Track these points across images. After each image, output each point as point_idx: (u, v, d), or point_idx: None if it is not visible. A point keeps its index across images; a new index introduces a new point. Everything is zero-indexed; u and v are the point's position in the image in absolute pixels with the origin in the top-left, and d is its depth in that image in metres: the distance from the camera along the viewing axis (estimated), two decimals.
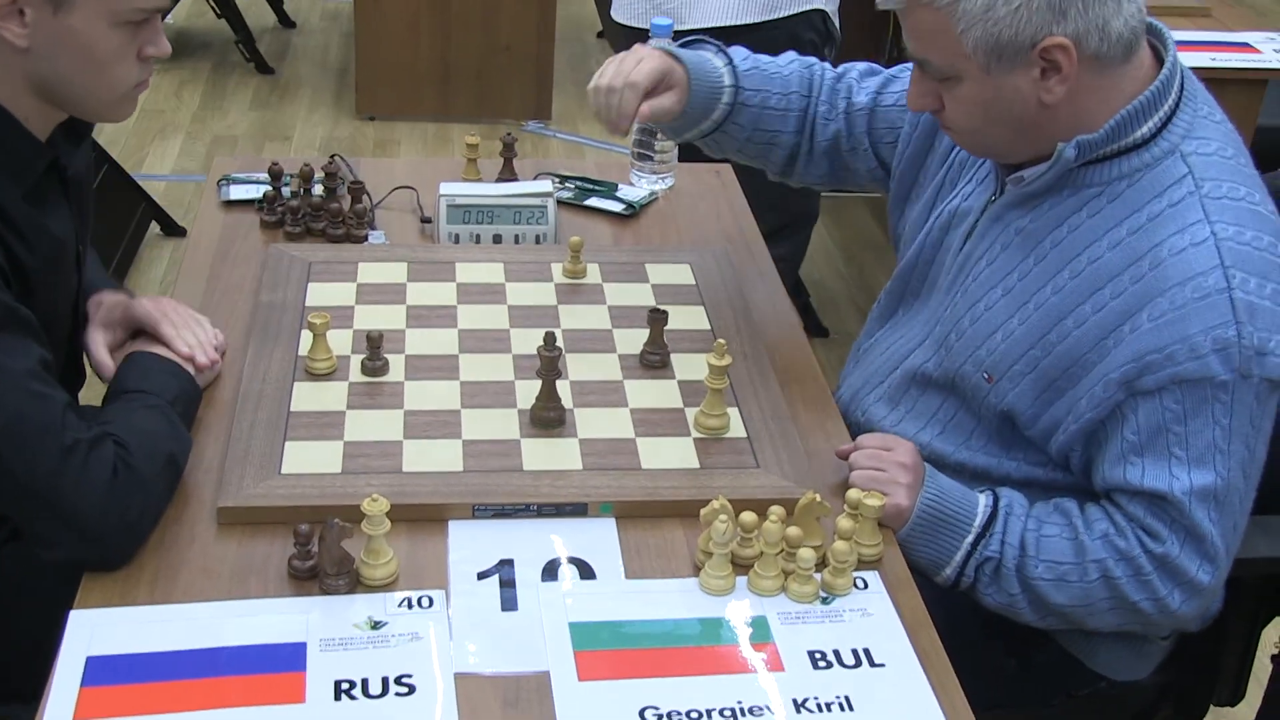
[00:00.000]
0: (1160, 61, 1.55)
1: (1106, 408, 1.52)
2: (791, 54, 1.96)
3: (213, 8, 5.02)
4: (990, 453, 1.68)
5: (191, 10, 5.38)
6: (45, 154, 1.54)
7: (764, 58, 1.93)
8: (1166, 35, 1.56)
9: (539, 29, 4.70)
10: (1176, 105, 1.53)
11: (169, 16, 5.16)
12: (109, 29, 1.47)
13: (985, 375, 1.63)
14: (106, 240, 3.54)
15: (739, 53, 1.91)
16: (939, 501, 1.58)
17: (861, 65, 1.96)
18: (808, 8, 2.86)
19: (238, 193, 2.13)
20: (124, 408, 1.54)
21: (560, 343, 1.74)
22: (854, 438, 1.78)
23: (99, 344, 1.69)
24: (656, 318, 1.76)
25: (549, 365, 1.62)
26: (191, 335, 1.69)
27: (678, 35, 2.56)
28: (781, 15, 2.84)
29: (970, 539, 1.58)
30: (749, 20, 2.82)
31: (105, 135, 4.43)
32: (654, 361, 1.77)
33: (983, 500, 1.59)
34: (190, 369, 1.65)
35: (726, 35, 2.65)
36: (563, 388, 1.71)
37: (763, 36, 2.73)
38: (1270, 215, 1.51)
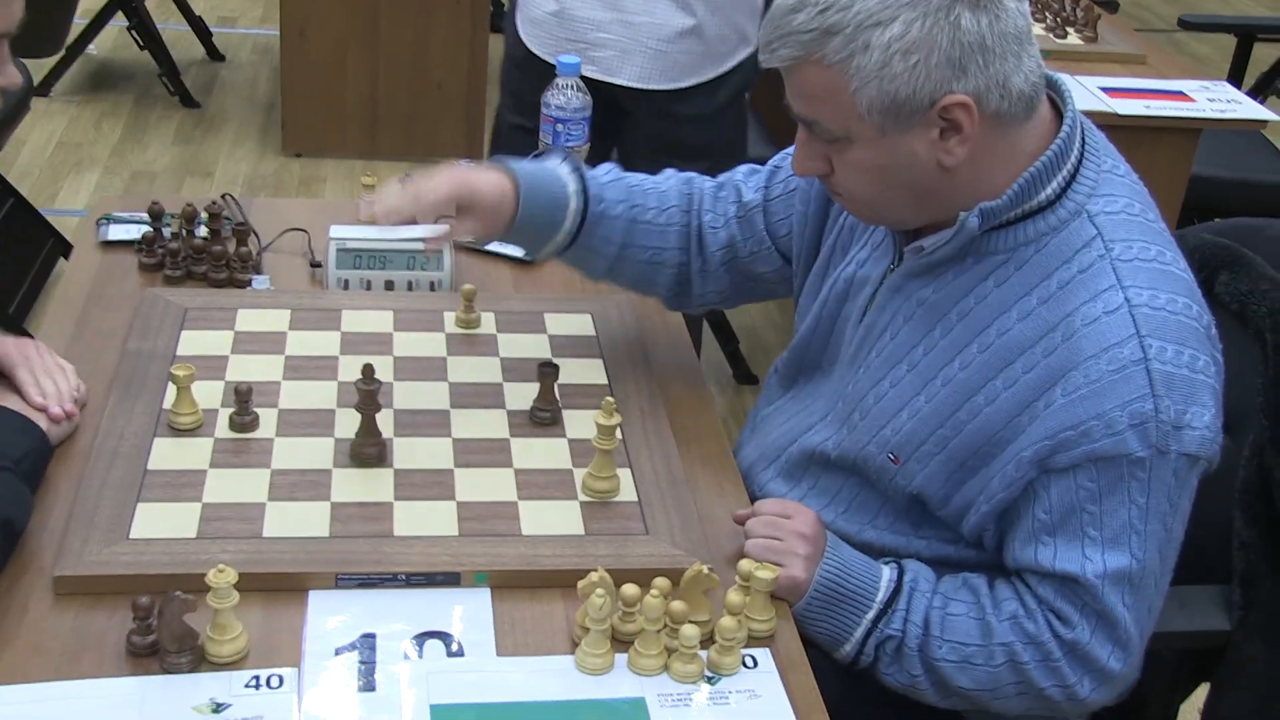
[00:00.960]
0: (1059, 114, 1.47)
1: (1019, 486, 1.43)
2: (669, 170, 1.84)
3: (135, 40, 4.90)
4: (898, 531, 1.59)
5: (117, 41, 5.26)
6: None
7: (637, 175, 1.81)
8: (1064, 88, 1.48)
9: (470, 66, 4.61)
10: (1080, 161, 1.45)
11: (92, 47, 5.04)
12: None
13: (891, 456, 1.53)
14: (10, 275, 3.40)
15: (603, 167, 1.80)
16: (840, 575, 1.48)
17: (743, 167, 1.84)
18: (737, 61, 2.66)
19: (117, 232, 2.02)
20: None
21: (447, 398, 1.66)
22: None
23: None
24: (547, 372, 1.66)
25: (367, 399, 1.53)
26: (50, 384, 1.57)
27: (607, 89, 2.48)
28: (711, 76, 2.63)
29: (871, 615, 1.48)
30: (683, 84, 2.60)
31: (18, 167, 4.31)
32: (544, 418, 1.67)
33: (886, 574, 1.50)
34: (43, 421, 1.53)
35: (665, 99, 2.56)
36: (443, 445, 1.61)
37: (703, 98, 2.62)
38: (1182, 274, 1.44)
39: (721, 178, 1.83)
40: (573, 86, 2.10)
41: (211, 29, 5.40)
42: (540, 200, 1.70)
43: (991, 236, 1.46)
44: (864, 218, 1.59)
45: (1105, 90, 3.11)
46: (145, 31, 4.87)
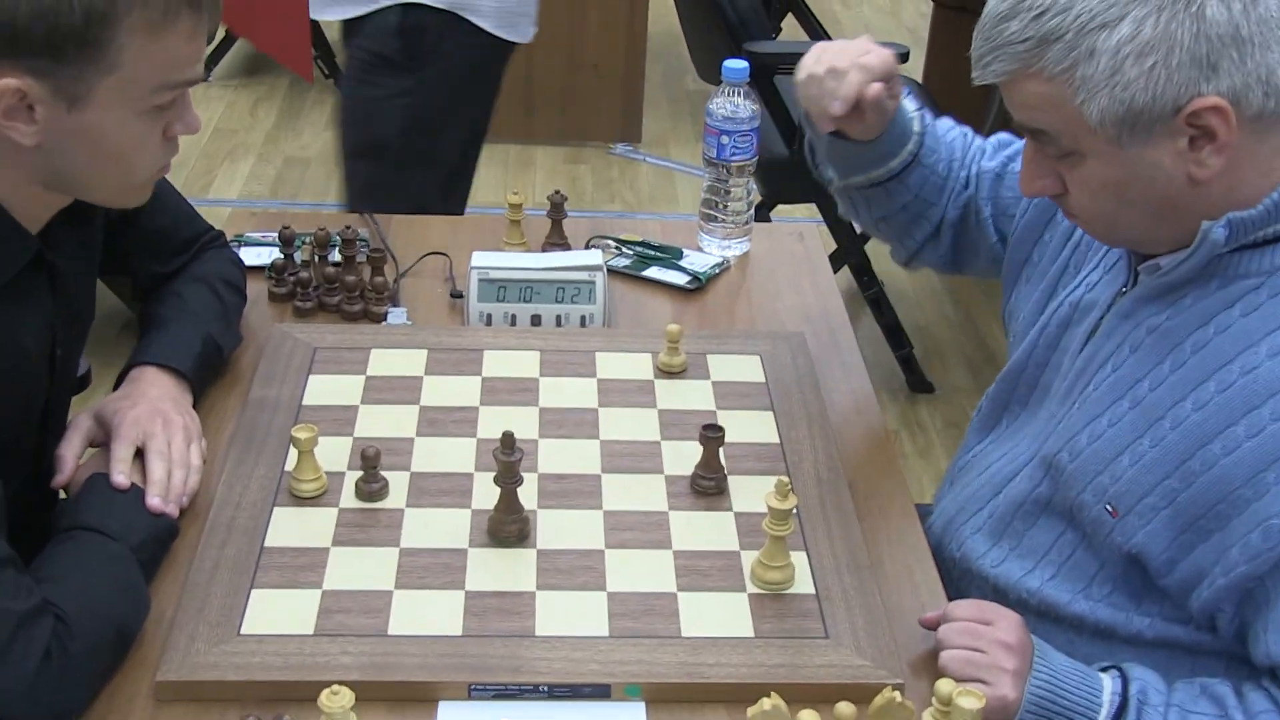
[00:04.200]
0: None
1: (1268, 561, 1.20)
2: (949, 120, 1.70)
3: None
4: (1116, 604, 1.36)
5: None
6: (31, 246, 1.32)
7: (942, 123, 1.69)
8: None
9: (627, 45, 4.40)
10: None
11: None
12: (132, 118, 1.27)
13: (1108, 507, 1.31)
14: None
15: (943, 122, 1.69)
16: (1054, 689, 1.26)
17: (1002, 135, 1.67)
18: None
19: (249, 256, 1.86)
20: (75, 557, 1.27)
21: (598, 460, 1.47)
22: (949, 576, 1.47)
23: (73, 441, 1.44)
24: (711, 437, 1.46)
25: (508, 472, 1.35)
26: (164, 470, 1.41)
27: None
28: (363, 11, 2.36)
29: None
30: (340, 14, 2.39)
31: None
32: (707, 487, 1.47)
33: (1109, 686, 1.27)
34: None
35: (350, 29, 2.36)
36: (593, 520, 1.42)
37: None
38: None
39: (975, 137, 1.70)
40: (740, 93, 1.88)
41: None
42: (897, 127, 1.59)
43: (1243, 257, 1.25)
44: (1102, 238, 1.39)
45: None
46: None
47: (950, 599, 1.48)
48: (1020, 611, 1.39)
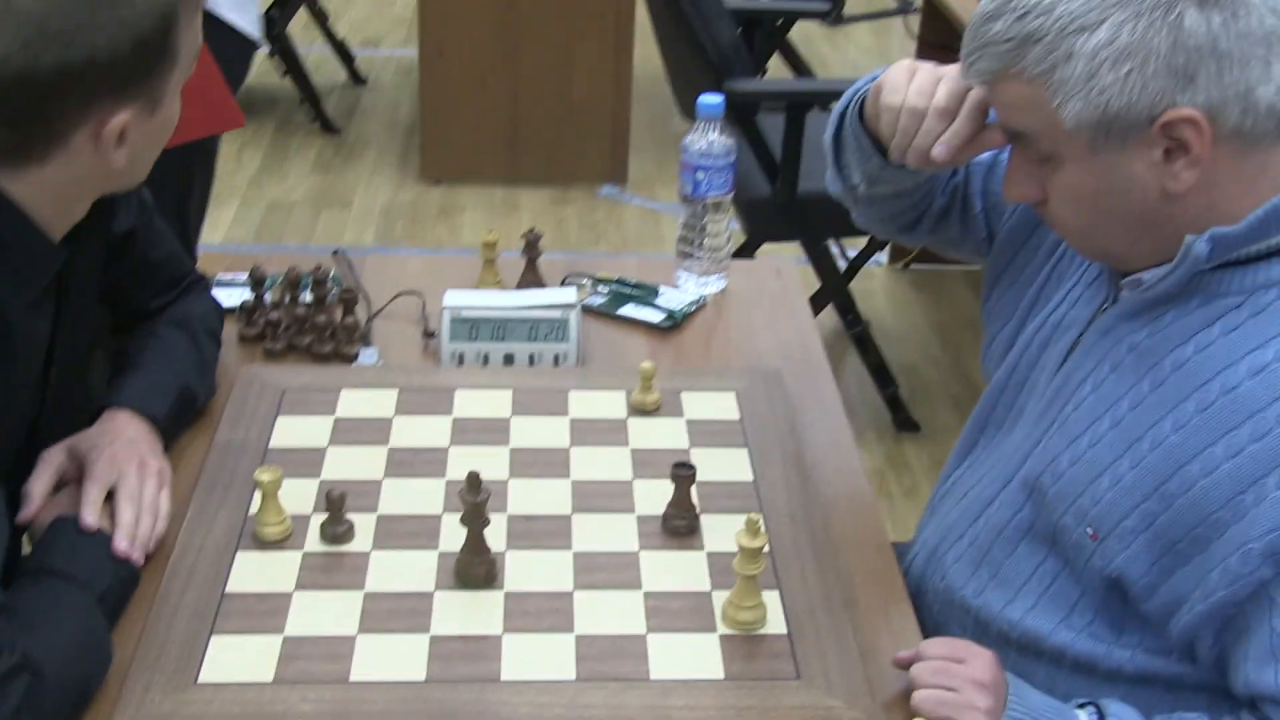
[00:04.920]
0: None
1: (1247, 587, 1.18)
2: None
3: (277, 67, 4.82)
4: (1096, 635, 1.34)
5: (260, 68, 5.18)
6: (60, 254, 1.32)
7: None
8: None
9: (614, 87, 4.40)
10: None
11: None
12: (178, 97, 1.33)
13: (1089, 530, 1.29)
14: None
15: None
16: None
17: None
18: None
19: (220, 297, 1.84)
20: (45, 606, 1.24)
21: (569, 500, 1.45)
22: (931, 609, 1.45)
23: (44, 473, 1.40)
24: (682, 475, 1.43)
25: (473, 512, 1.33)
26: (133, 514, 1.38)
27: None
28: None
29: None
30: None
31: None
32: (679, 528, 1.44)
33: None
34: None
35: None
36: (562, 560, 1.39)
37: None
38: None
39: None
40: (715, 129, 1.87)
41: (355, 51, 5.30)
42: None
43: (1226, 275, 1.24)
44: (1082, 250, 1.38)
45: None
46: (288, 57, 4.78)
47: (932, 634, 1.46)
48: (1002, 646, 1.36)
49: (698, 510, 1.45)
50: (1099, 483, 1.29)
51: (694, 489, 1.45)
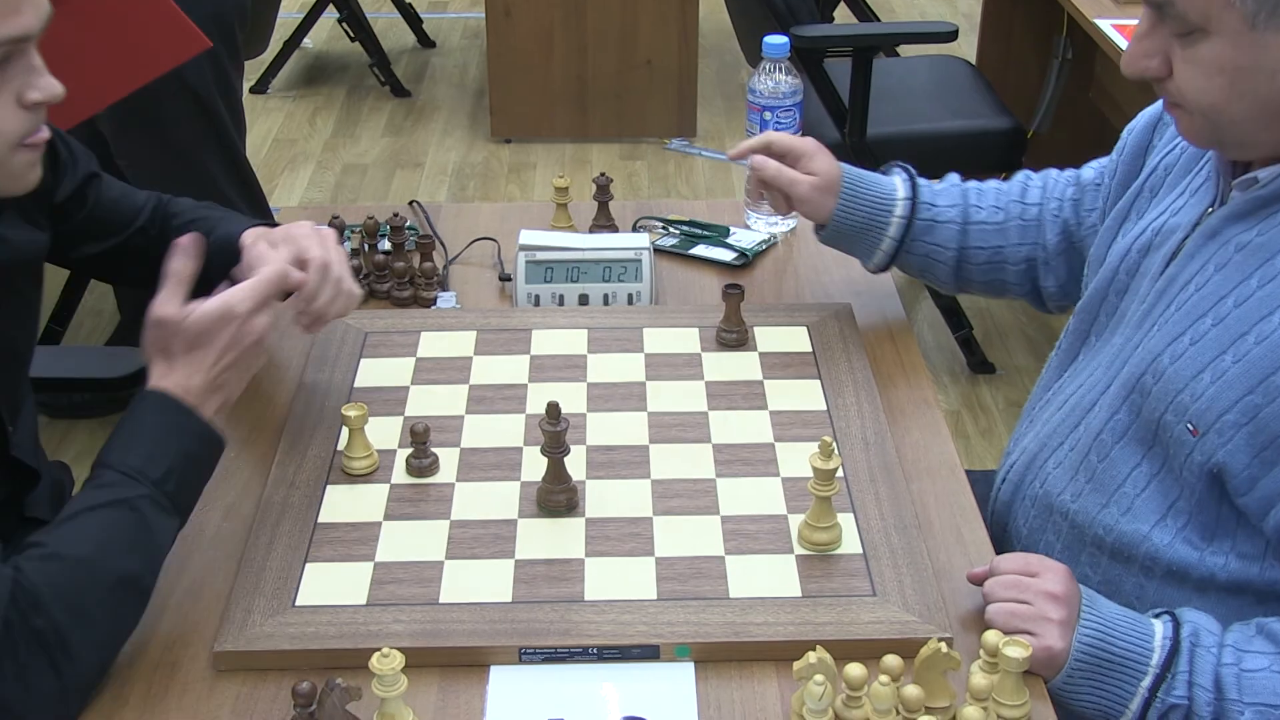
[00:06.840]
0: None
1: None
2: (1025, 172, 1.76)
3: (346, 32, 4.87)
4: (1190, 541, 1.34)
5: (330, 34, 5.25)
6: None
7: (978, 182, 1.75)
8: None
9: (681, 41, 4.42)
10: None
11: (307, 41, 5.04)
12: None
13: (1189, 426, 1.29)
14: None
15: (948, 178, 1.76)
16: (1103, 637, 1.25)
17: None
18: None
19: None
20: (79, 509, 1.21)
21: (645, 431, 1.49)
22: (1027, 517, 1.48)
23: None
24: (731, 293, 1.63)
25: (553, 441, 1.37)
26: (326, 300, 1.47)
27: None
28: None
29: (1148, 682, 1.25)
30: None
31: None
32: (730, 340, 1.65)
33: (1159, 630, 1.26)
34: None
35: None
36: (640, 489, 1.43)
37: None
38: None
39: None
40: (781, 69, 1.89)
41: (422, 15, 5.35)
42: (864, 199, 1.68)
43: None
44: (1196, 136, 1.34)
45: None
46: (356, 23, 4.84)
47: (1026, 544, 1.48)
48: (1095, 552, 1.37)
49: (747, 326, 1.65)
50: (1200, 378, 1.29)
51: (741, 307, 1.64)
